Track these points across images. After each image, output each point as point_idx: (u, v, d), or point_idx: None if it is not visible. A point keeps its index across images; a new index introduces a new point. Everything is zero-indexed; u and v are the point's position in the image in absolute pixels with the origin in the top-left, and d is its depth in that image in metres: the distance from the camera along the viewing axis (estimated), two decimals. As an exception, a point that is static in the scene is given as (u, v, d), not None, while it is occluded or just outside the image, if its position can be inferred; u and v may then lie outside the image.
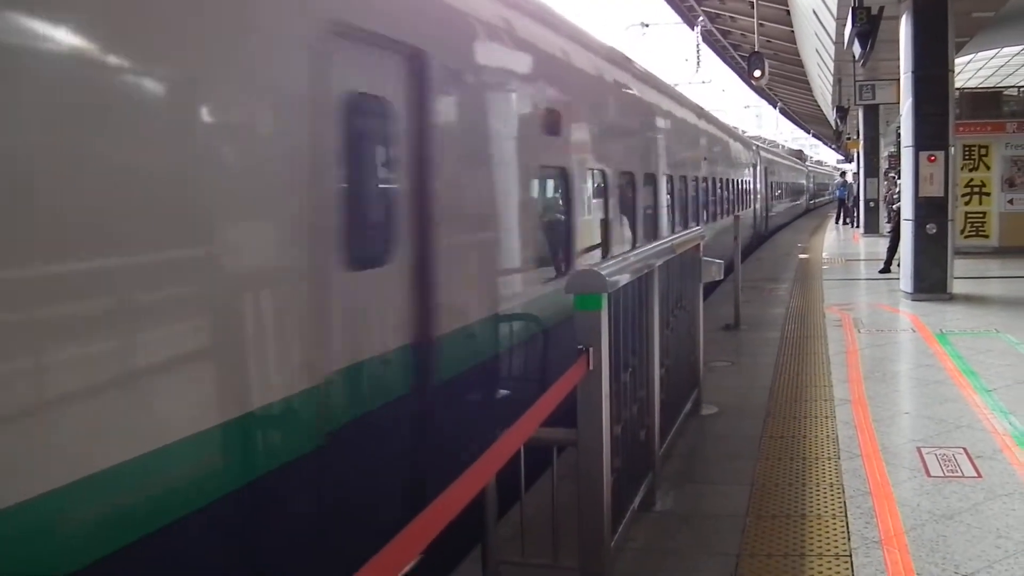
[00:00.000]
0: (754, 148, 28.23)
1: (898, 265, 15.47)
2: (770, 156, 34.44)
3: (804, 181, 56.75)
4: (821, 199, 73.85)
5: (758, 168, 28.08)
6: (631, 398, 5.04)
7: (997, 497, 5.39)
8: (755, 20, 22.65)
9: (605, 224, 8.59)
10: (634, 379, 5.08)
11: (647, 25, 38.17)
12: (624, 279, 4.65)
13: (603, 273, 4.22)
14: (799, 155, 59.08)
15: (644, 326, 5.33)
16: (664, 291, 5.83)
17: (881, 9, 13.71)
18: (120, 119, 2.78)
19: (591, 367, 4.07)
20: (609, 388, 4.25)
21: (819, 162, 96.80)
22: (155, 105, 2.96)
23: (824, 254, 23.45)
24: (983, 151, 20.78)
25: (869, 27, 13.63)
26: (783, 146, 56.86)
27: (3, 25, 2.44)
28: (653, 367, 5.49)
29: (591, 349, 4.08)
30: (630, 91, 10.37)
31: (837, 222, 38.77)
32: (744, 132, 34.31)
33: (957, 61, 15.23)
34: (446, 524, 2.56)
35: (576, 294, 4.15)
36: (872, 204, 29.88)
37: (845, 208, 38.44)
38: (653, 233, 10.70)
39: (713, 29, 33.54)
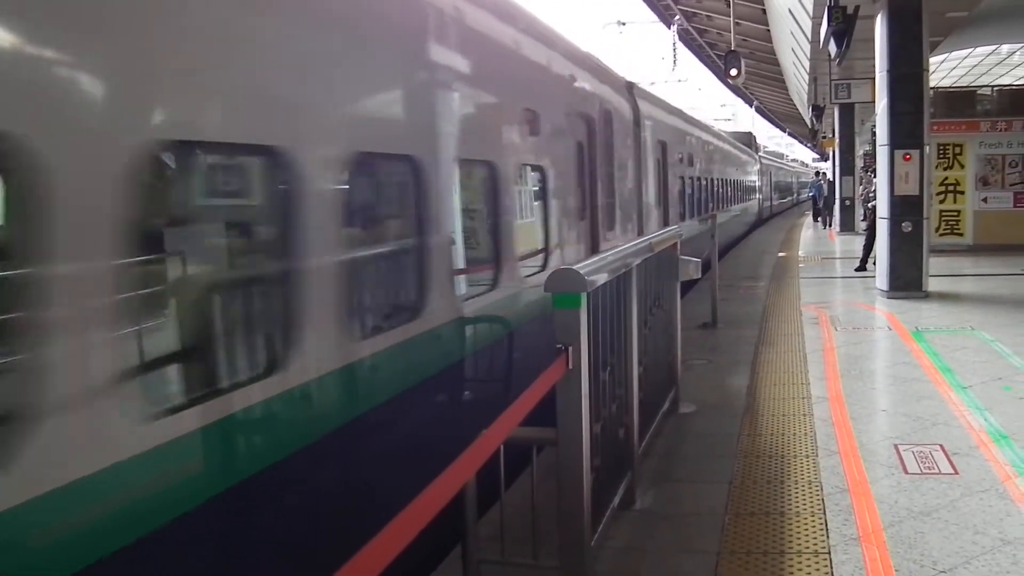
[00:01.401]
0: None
1: (874, 263, 15.56)
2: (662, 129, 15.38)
3: (755, 179, 38.85)
4: (785, 201, 62.58)
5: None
6: (610, 397, 5.03)
7: (974, 493, 5.42)
8: (731, 19, 22.74)
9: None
10: (613, 378, 5.07)
11: (624, 24, 38.26)
12: (603, 278, 4.64)
13: (582, 272, 4.21)
14: (747, 141, 37.57)
15: (623, 325, 5.32)
16: (642, 290, 5.82)
17: (857, 8, 13.79)
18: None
19: (570, 366, 4.06)
20: (588, 387, 4.24)
21: (778, 155, 76.22)
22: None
23: (800, 252, 23.55)
24: (958, 150, 20.95)
25: (845, 26, 13.71)
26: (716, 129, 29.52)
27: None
28: (632, 366, 5.48)
29: (570, 348, 4.07)
30: None
31: (815, 220, 38.75)
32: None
33: (931, 60, 15.35)
34: (425, 524, 2.54)
35: (555, 293, 4.14)
36: (848, 202, 30.04)
37: (816, 208, 38.38)
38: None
39: (690, 28, 33.67)
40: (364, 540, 2.32)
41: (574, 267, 4.32)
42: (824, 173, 41.75)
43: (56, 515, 2.64)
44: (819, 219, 36.60)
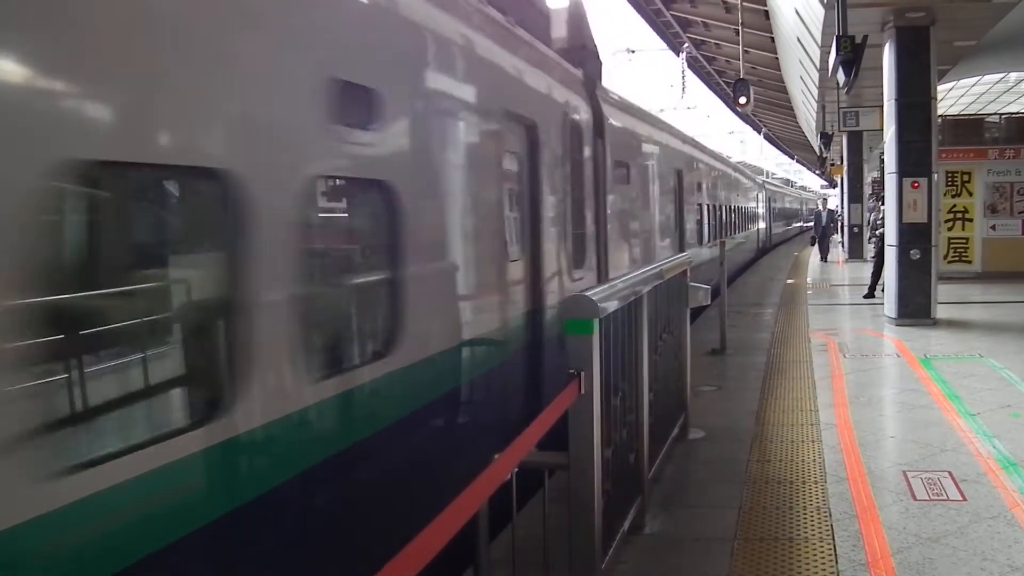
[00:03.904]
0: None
1: (882, 290, 15.59)
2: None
3: (757, 206, 34.75)
4: (791, 227, 58.79)
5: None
6: (621, 422, 5.09)
7: (982, 520, 5.45)
8: (740, 47, 22.86)
9: None
10: (624, 403, 5.13)
11: (633, 51, 38.42)
12: (615, 304, 4.71)
13: (595, 299, 4.28)
14: (742, 170, 30.86)
15: (634, 351, 5.38)
16: (652, 316, 5.88)
17: (865, 37, 13.84)
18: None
19: (583, 391, 4.12)
20: (600, 412, 4.30)
21: (787, 182, 75.87)
22: None
23: (808, 279, 23.59)
24: (966, 177, 21.02)
25: (853, 55, 13.74)
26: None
27: None
28: (642, 391, 5.54)
29: (583, 373, 4.13)
30: None
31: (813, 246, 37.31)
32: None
33: (939, 88, 15.43)
34: (440, 548, 2.60)
35: (568, 319, 4.21)
36: (856, 229, 30.05)
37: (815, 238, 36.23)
38: None
39: (698, 56, 33.84)
40: (381, 561, 2.38)
41: (587, 293, 4.39)
42: (826, 199, 40.58)
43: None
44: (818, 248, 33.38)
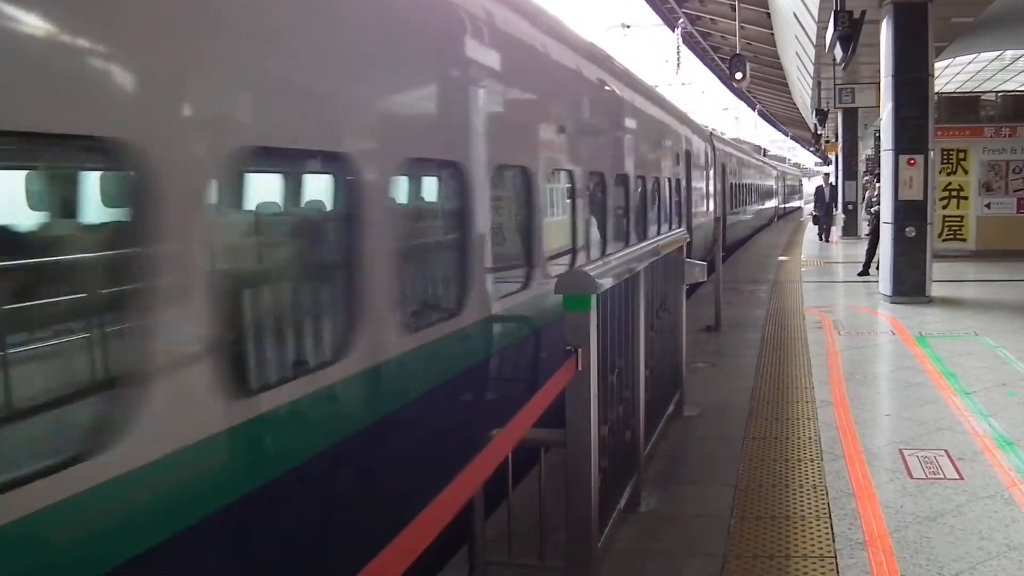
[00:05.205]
0: None
1: (877, 268, 15.56)
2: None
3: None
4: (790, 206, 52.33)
5: None
6: (617, 399, 5.04)
7: (979, 499, 5.43)
8: (737, 22, 22.72)
9: None
10: (620, 380, 5.08)
11: (628, 26, 38.19)
12: (612, 280, 4.65)
13: (592, 274, 4.22)
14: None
15: (630, 327, 5.33)
16: (649, 292, 5.83)
17: (863, 13, 13.78)
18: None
19: (580, 368, 4.07)
20: (597, 389, 4.25)
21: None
22: None
23: (803, 256, 23.56)
24: (961, 155, 20.95)
25: (851, 31, 13.69)
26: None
27: None
28: (638, 368, 5.49)
29: (580, 350, 4.08)
30: None
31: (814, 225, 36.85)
32: None
33: (936, 66, 15.34)
34: (442, 528, 2.55)
35: (565, 295, 4.15)
36: (850, 207, 29.99)
37: (815, 216, 35.39)
38: None
39: (694, 31, 33.64)
40: (380, 542, 2.33)
41: (584, 269, 4.33)
42: (827, 175, 39.12)
43: None
44: (818, 228, 31.53)
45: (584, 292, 4.12)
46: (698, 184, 17.48)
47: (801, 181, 79.35)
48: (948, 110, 21.53)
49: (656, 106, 12.90)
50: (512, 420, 3.44)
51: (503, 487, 4.35)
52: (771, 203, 46.19)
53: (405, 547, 2.38)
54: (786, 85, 38.08)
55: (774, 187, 47.80)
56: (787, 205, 57.39)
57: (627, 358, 5.27)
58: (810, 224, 38.62)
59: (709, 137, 20.01)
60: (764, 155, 50.08)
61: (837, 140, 33.20)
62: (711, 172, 19.98)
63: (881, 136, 15.31)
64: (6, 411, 2.83)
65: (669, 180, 13.58)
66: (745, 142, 45.54)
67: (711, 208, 19.78)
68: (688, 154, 16.03)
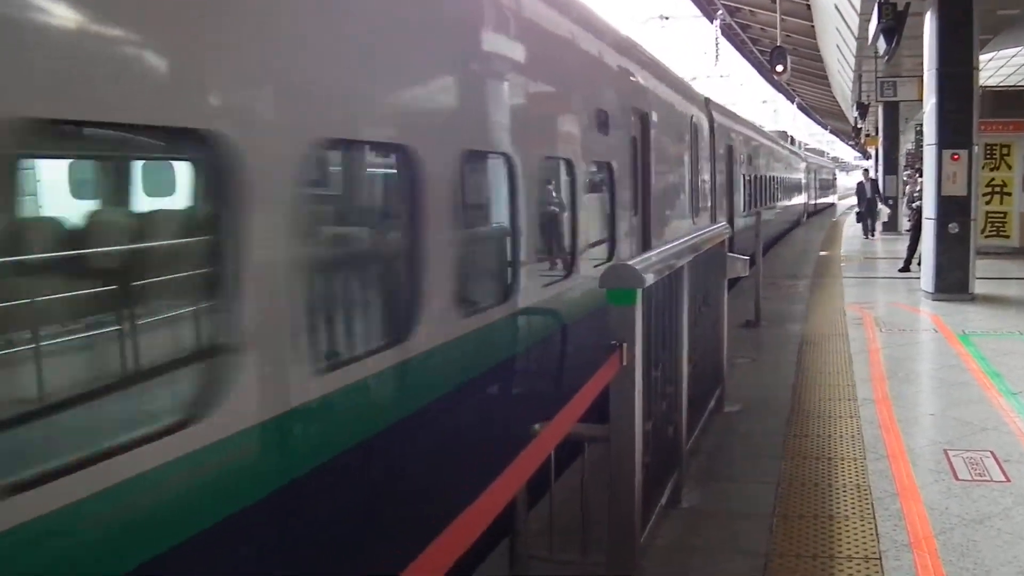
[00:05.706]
0: None
1: (918, 264, 15.36)
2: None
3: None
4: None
5: None
6: (660, 394, 5.00)
7: (1027, 502, 5.34)
8: (778, 14, 22.50)
9: None
10: (663, 375, 5.04)
11: (666, 18, 38.01)
12: (656, 275, 4.61)
13: (638, 268, 4.18)
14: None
15: (673, 322, 5.28)
16: (692, 287, 5.78)
17: (907, 5, 13.61)
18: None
19: (624, 363, 4.03)
20: (641, 384, 4.21)
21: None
22: None
23: (843, 251, 23.32)
24: (1005, 150, 20.60)
25: (895, 23, 13.52)
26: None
27: None
28: (681, 363, 5.44)
29: (624, 344, 4.04)
30: None
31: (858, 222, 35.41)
32: None
33: (980, 59, 15.08)
34: (490, 522, 2.53)
35: (610, 288, 4.11)
36: (891, 201, 29.59)
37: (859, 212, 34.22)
38: None
39: (732, 23, 33.38)
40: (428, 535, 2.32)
41: (629, 263, 4.29)
42: (867, 171, 37.79)
43: None
44: (862, 225, 30.08)
45: (630, 286, 4.08)
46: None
47: (835, 175, 77.55)
48: (992, 104, 21.17)
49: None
50: (556, 416, 3.41)
51: (545, 480, 4.33)
52: (798, 199, 40.58)
53: (451, 543, 2.37)
54: (826, 78, 37.66)
55: (803, 181, 42.73)
56: (819, 201, 53.71)
57: (670, 353, 5.22)
58: (847, 220, 38.05)
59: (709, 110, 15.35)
60: (792, 143, 43.53)
61: (877, 134, 32.80)
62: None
63: (924, 130, 15.10)
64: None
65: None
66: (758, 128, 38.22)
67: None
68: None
